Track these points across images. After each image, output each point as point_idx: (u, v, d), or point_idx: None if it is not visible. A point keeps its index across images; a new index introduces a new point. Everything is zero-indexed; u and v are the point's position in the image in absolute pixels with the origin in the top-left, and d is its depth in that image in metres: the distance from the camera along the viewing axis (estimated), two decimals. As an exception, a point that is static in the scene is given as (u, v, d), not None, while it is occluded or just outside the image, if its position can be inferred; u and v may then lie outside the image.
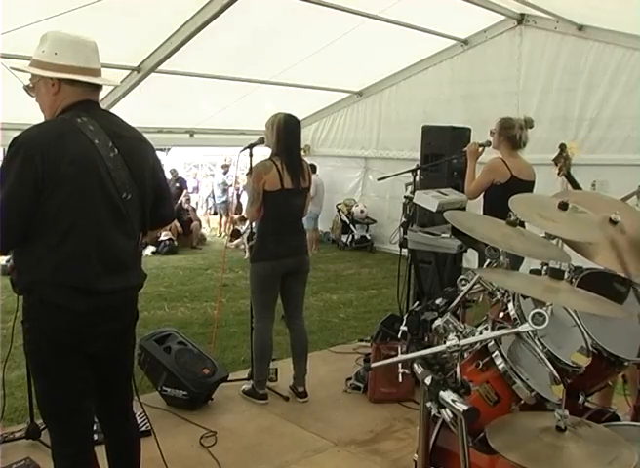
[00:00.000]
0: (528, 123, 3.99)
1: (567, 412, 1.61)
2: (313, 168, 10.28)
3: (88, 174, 2.06)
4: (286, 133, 3.75)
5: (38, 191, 1.99)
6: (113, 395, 2.37)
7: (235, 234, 10.38)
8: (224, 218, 12.78)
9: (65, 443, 2.20)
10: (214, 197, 13.71)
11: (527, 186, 3.89)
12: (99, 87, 2.23)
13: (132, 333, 2.38)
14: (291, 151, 3.76)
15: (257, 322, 3.97)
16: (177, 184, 12.08)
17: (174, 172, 12.71)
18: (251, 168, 3.79)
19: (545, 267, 1.94)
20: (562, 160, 3.42)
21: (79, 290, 2.07)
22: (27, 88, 2.23)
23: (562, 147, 3.46)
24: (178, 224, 10.81)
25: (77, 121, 2.09)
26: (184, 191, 12.14)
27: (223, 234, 12.22)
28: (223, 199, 12.78)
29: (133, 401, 2.48)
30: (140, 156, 2.24)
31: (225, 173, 12.93)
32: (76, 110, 2.13)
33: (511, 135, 3.96)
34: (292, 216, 3.87)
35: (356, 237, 10.43)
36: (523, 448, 1.57)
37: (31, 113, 2.48)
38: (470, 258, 5.63)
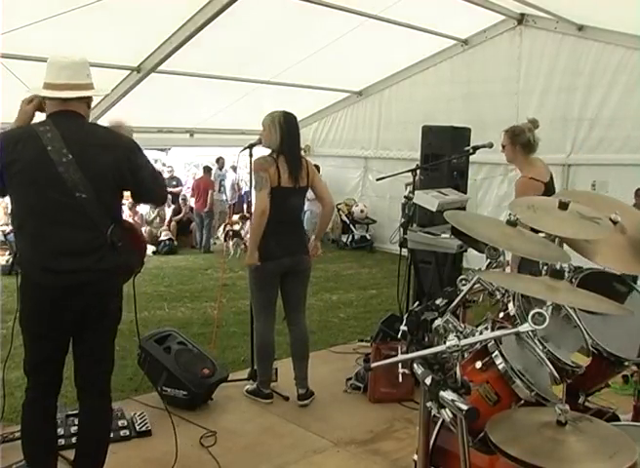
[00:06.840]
0: (534, 123, 3.83)
1: (567, 407, 1.61)
2: (317, 169, 10.30)
3: (37, 176, 2.38)
4: (287, 131, 3.72)
5: (3, 190, 2.46)
6: (83, 365, 2.66)
7: (231, 236, 10.23)
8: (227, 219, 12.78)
9: (32, 388, 2.67)
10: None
11: (551, 185, 3.77)
12: (72, 98, 2.47)
13: (101, 310, 2.57)
14: (292, 149, 3.74)
15: (255, 322, 3.98)
16: (173, 182, 12.08)
17: (171, 170, 12.75)
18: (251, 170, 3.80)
19: (546, 267, 1.94)
20: None
21: (45, 269, 2.45)
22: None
23: None
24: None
25: (39, 129, 2.40)
26: (180, 188, 12.11)
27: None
28: (234, 200, 12.74)
29: (108, 383, 2.70)
30: (99, 160, 2.45)
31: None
32: (48, 119, 2.46)
33: (525, 140, 3.75)
34: (290, 216, 3.84)
35: (356, 237, 10.43)
36: (524, 442, 1.57)
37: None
38: (470, 258, 5.63)
